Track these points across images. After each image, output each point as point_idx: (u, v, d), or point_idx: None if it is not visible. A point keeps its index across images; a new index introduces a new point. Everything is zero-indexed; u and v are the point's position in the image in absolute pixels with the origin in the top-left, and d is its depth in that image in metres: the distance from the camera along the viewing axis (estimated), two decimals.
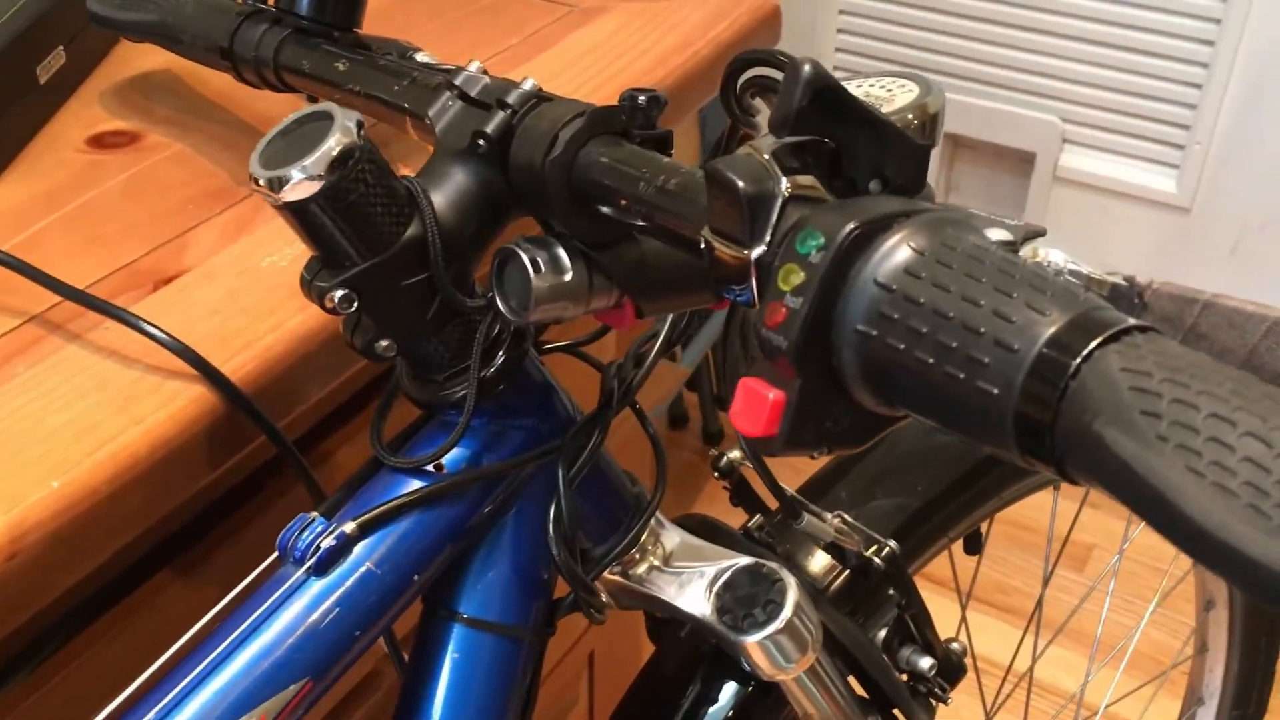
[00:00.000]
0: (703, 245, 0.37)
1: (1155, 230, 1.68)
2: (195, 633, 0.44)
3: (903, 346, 0.31)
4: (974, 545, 0.77)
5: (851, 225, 0.32)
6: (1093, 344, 0.28)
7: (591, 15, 0.81)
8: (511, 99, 0.45)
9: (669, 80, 0.76)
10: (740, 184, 0.35)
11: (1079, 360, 0.28)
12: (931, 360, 0.30)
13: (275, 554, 0.46)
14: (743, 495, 0.67)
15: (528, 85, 0.45)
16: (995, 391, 0.29)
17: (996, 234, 0.34)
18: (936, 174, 1.78)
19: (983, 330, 0.29)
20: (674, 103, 0.79)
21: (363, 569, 0.45)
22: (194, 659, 0.43)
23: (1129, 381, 0.26)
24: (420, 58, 0.55)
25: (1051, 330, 0.28)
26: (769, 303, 0.33)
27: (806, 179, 0.35)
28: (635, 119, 0.44)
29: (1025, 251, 0.37)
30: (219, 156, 0.66)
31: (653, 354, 0.53)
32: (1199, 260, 1.65)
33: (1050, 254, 0.36)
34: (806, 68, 0.34)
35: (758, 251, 0.35)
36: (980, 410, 0.29)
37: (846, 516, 0.66)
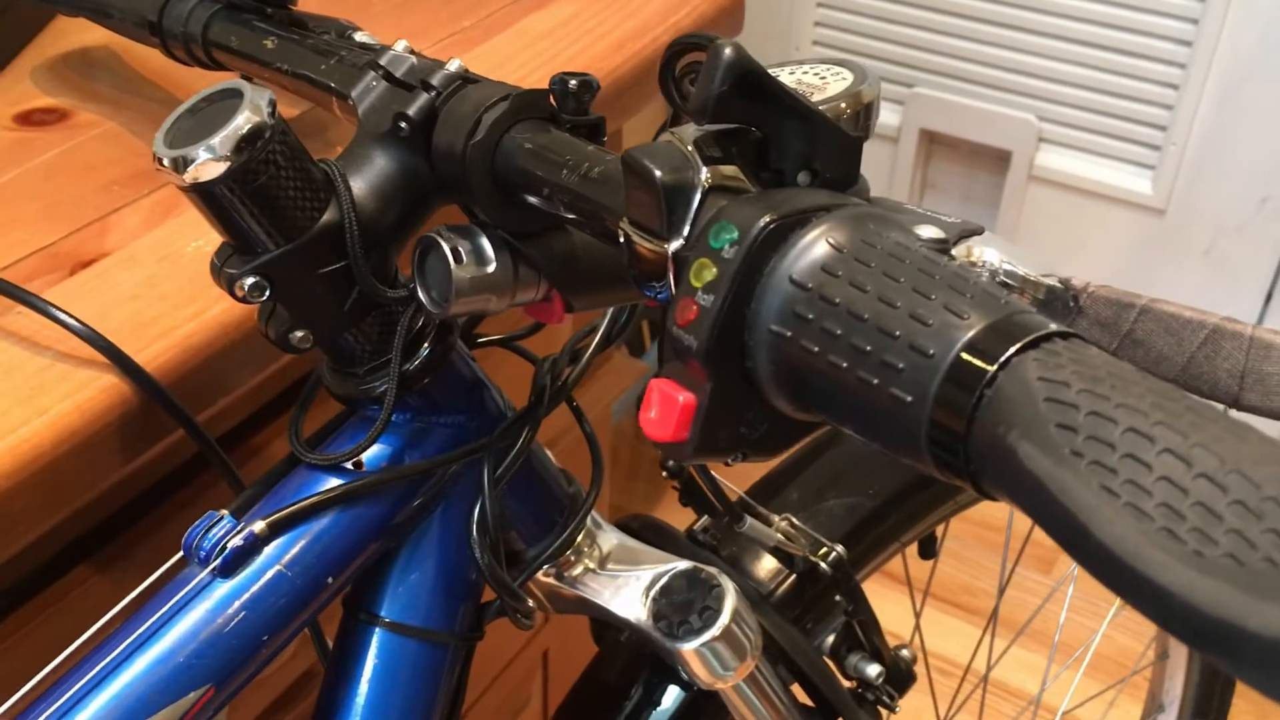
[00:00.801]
0: (621, 238, 0.35)
1: (1129, 231, 1.66)
2: (92, 635, 0.42)
3: (817, 349, 0.29)
4: (929, 550, 0.76)
5: (766, 219, 0.30)
6: (1011, 350, 0.26)
7: None
8: (436, 80, 0.43)
9: (626, 66, 0.74)
10: (656, 173, 0.33)
11: (996, 368, 0.26)
12: (845, 364, 0.28)
13: (180, 554, 0.43)
14: (692, 495, 0.65)
15: (453, 66, 0.43)
16: (909, 399, 0.27)
17: (928, 231, 0.33)
18: (911, 171, 1.76)
19: (898, 334, 0.27)
20: (632, 90, 0.77)
21: (273, 571, 0.43)
22: (89, 663, 0.41)
23: (1045, 392, 0.24)
24: (359, 37, 0.53)
25: (969, 335, 0.26)
26: (680, 299, 0.31)
27: (730, 169, 0.33)
28: (565, 104, 0.42)
29: (959, 250, 0.35)
30: (150, 136, 0.63)
31: (590, 350, 0.52)
32: (1173, 262, 1.64)
33: (985, 253, 0.34)
34: (727, 51, 0.32)
35: (675, 245, 0.33)
36: (894, 419, 0.27)
37: (794, 519, 0.65)
